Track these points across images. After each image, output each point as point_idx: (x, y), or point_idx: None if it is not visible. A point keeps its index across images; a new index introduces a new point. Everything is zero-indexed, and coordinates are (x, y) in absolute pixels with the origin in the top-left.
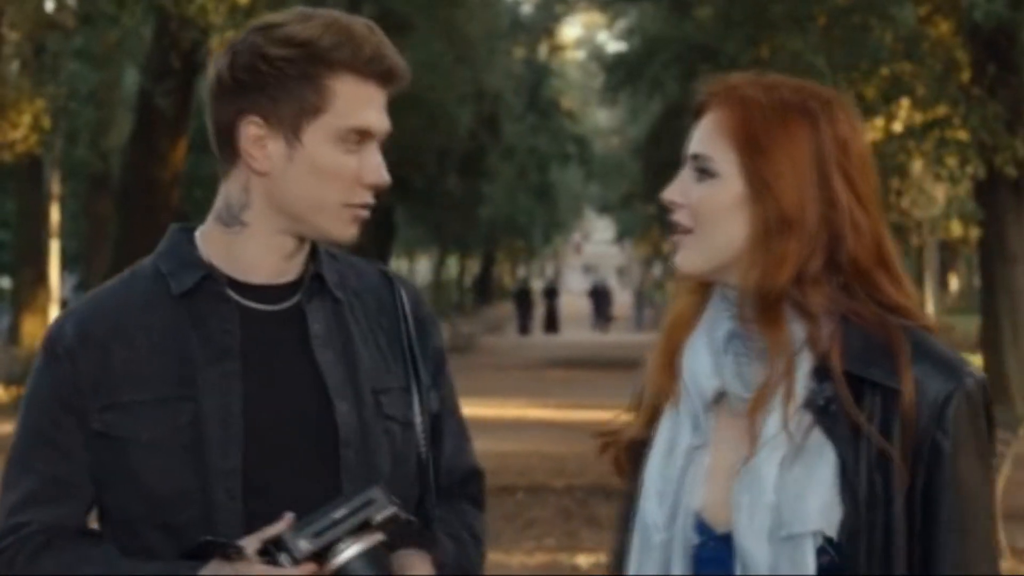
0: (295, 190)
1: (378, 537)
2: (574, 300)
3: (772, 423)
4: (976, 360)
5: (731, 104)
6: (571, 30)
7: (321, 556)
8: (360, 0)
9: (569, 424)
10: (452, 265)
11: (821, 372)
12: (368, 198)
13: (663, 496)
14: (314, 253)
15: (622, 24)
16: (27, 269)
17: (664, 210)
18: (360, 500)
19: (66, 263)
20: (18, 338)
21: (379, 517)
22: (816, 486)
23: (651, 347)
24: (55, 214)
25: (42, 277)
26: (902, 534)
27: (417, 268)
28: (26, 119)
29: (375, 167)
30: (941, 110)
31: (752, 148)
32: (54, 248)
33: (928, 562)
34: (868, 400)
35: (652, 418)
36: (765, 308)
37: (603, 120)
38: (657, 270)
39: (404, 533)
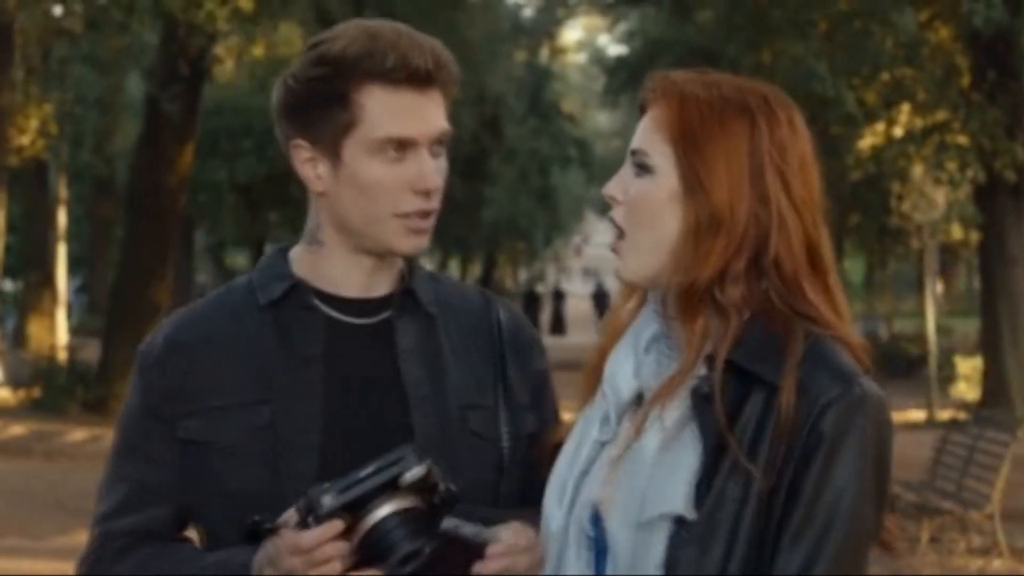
0: (347, 207)
1: (415, 501)
2: (576, 303)
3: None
4: (976, 362)
5: (670, 100)
6: (572, 33)
7: (353, 516)
8: (363, 4)
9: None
10: (454, 268)
11: (710, 362)
12: (422, 204)
13: (564, 488)
14: (412, 270)
15: (623, 27)
16: (33, 272)
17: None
18: (389, 458)
19: (70, 266)
20: (24, 341)
21: (409, 475)
22: (680, 472)
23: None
24: (62, 218)
25: (48, 280)
26: (745, 533)
27: None
28: (33, 124)
29: (420, 173)
30: (941, 115)
31: (687, 144)
32: (61, 251)
33: (772, 564)
34: (753, 396)
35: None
36: (685, 304)
37: (604, 123)
38: None
39: (446, 500)
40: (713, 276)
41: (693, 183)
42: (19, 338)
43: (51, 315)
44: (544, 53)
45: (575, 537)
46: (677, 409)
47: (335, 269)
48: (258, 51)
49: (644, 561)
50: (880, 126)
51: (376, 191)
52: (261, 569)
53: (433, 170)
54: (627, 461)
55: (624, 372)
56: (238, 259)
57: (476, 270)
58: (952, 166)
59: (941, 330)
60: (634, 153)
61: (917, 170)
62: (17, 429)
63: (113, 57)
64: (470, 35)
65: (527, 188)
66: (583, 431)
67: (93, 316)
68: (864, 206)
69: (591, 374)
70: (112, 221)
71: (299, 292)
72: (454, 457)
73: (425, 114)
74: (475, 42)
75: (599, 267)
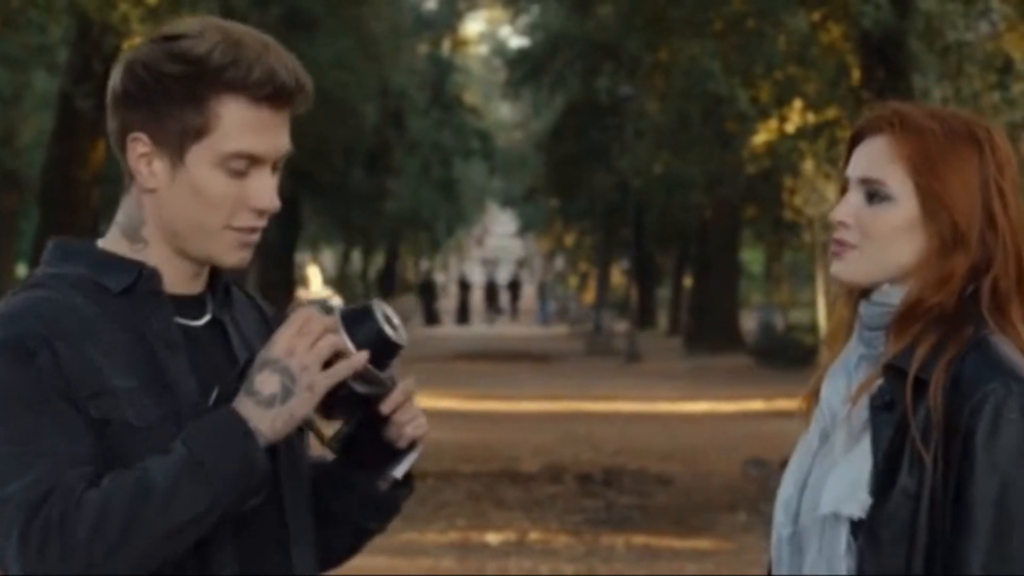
0: (177, 211)
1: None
2: (476, 293)
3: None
4: None
5: (907, 131)
6: (474, 25)
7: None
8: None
9: (475, 414)
10: (356, 259)
11: (886, 370)
12: (255, 222)
13: (790, 500)
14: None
15: (525, 20)
16: None
17: (567, 203)
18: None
19: None
20: None
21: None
22: (852, 475)
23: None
24: None
25: None
26: (923, 531)
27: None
28: None
29: (262, 192)
30: (832, 112)
31: (929, 172)
32: None
33: (951, 562)
34: (924, 398)
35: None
36: (906, 318)
37: (506, 114)
38: (559, 263)
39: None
40: (954, 294)
41: (935, 208)
42: None
43: None
44: (446, 45)
45: (804, 542)
46: (861, 415)
47: (159, 268)
48: None
49: (834, 557)
50: (773, 123)
51: (213, 202)
52: (254, 383)
53: (274, 192)
54: (820, 461)
55: (838, 390)
56: None
57: (378, 261)
58: (842, 162)
59: None
60: (867, 181)
61: (808, 165)
62: None
63: (24, 54)
64: (374, 29)
65: (429, 180)
66: (805, 448)
67: None
68: (759, 199)
69: (810, 396)
70: (17, 213)
71: (146, 279)
72: (293, 446)
73: (277, 133)
74: (379, 36)
75: (498, 257)
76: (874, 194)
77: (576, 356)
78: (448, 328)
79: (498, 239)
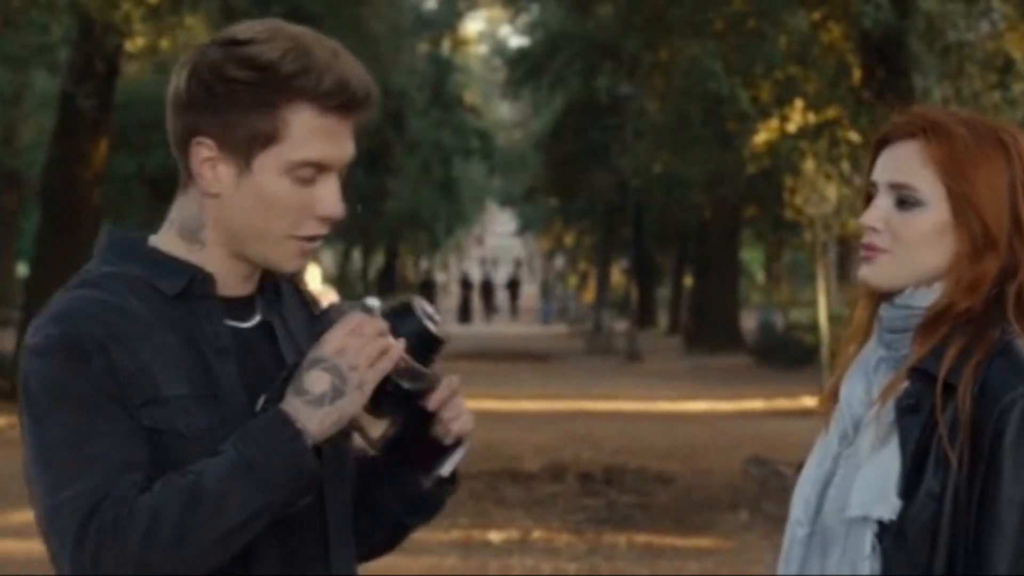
0: (241, 216)
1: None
2: (475, 292)
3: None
4: None
5: (936, 136)
6: (474, 24)
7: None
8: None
9: (476, 413)
10: (356, 259)
11: (912, 373)
12: (319, 230)
13: (808, 499)
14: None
15: (525, 19)
16: None
17: (566, 203)
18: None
19: None
20: None
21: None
22: (879, 477)
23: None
24: None
25: None
26: (946, 533)
27: (322, 261)
28: None
29: (329, 200)
30: (832, 112)
31: (959, 177)
32: None
33: (976, 563)
34: (950, 401)
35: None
36: (935, 322)
37: (506, 113)
38: (559, 263)
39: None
40: (984, 297)
41: (966, 212)
42: None
43: None
44: (446, 45)
45: (821, 542)
46: (887, 417)
47: (216, 272)
48: (166, 44)
49: (859, 559)
50: (774, 122)
51: (279, 209)
52: (303, 381)
53: (339, 199)
54: (845, 462)
55: (857, 392)
56: None
57: (378, 261)
58: (845, 165)
59: (837, 320)
60: (897, 186)
61: (809, 165)
62: None
63: (25, 54)
64: (374, 28)
65: (429, 179)
66: (823, 449)
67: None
68: (759, 199)
69: (829, 398)
70: (17, 212)
71: (199, 283)
72: (344, 444)
73: (344, 140)
74: (379, 35)
75: (497, 257)
76: (905, 199)
77: (576, 355)
78: (448, 327)
79: (498, 238)
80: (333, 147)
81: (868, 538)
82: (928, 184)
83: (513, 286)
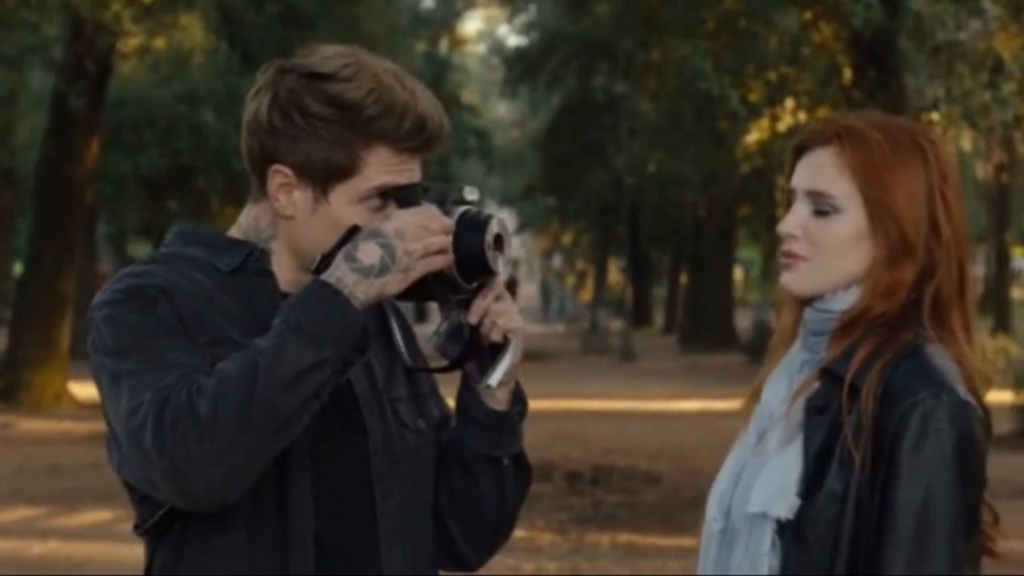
0: (314, 239)
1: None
2: None
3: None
4: None
5: (852, 142)
6: (472, 24)
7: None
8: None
9: None
10: None
11: (823, 374)
12: None
13: (723, 495)
14: None
15: (522, 19)
16: None
17: (563, 202)
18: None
19: None
20: None
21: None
22: (781, 476)
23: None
24: None
25: None
26: (847, 534)
27: None
28: None
29: None
30: (823, 112)
31: (875, 183)
32: None
33: (874, 566)
34: (856, 403)
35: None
36: (849, 325)
37: (504, 112)
38: (556, 262)
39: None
40: (901, 301)
41: (884, 218)
42: None
43: None
44: (444, 44)
45: (733, 538)
46: (796, 417)
47: (279, 273)
48: (160, 43)
49: (758, 556)
50: (765, 122)
51: None
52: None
53: None
54: (753, 459)
55: (779, 391)
56: (140, 248)
57: None
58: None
59: None
60: (813, 194)
61: None
62: None
63: (19, 53)
64: (371, 27)
65: (426, 178)
66: (742, 445)
67: None
68: (753, 198)
69: (752, 397)
70: (14, 212)
71: (255, 259)
72: (393, 449)
73: (413, 172)
74: (376, 35)
75: None
76: (821, 206)
77: (571, 354)
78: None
79: None
80: (404, 177)
81: (767, 535)
82: (844, 191)
83: (511, 285)
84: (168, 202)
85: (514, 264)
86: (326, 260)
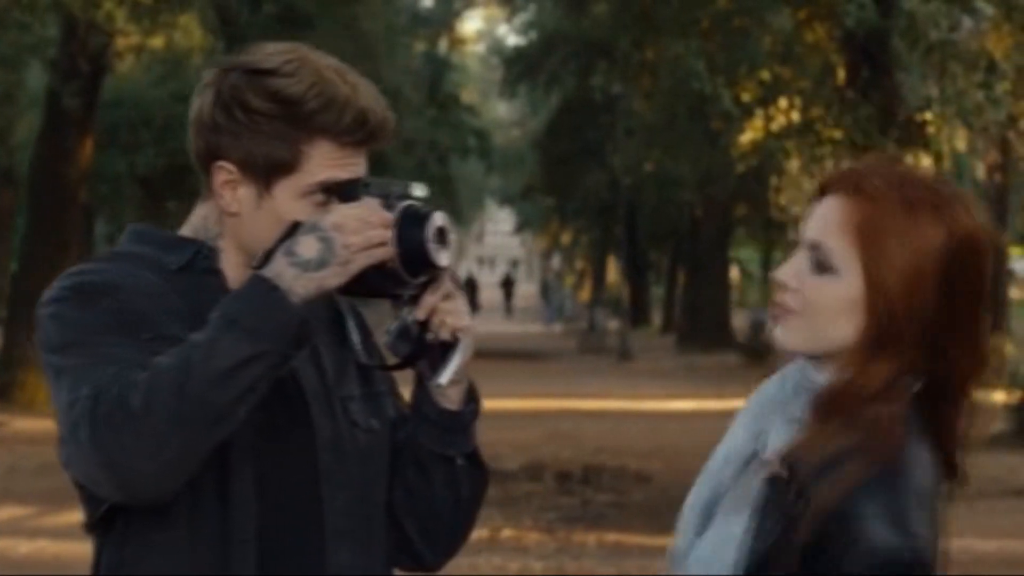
0: (259, 235)
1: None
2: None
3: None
4: None
5: (858, 195)
6: (471, 23)
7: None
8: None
9: None
10: None
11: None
12: None
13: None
14: None
15: (522, 18)
16: None
17: (562, 201)
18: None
19: None
20: None
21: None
22: (723, 545)
23: None
24: None
25: None
26: None
27: None
28: None
29: None
30: (816, 111)
31: (876, 248)
32: None
33: None
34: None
35: None
36: (826, 405)
37: (504, 112)
38: (556, 262)
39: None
40: (877, 390)
41: (877, 290)
42: None
43: None
44: (443, 43)
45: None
46: (751, 489)
47: (227, 271)
48: (157, 42)
49: None
50: (759, 122)
51: None
52: (296, 246)
53: None
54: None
55: (745, 434)
56: None
57: None
58: (829, 163)
59: None
60: (814, 247)
61: (793, 164)
62: None
63: (14, 52)
64: (369, 27)
65: (426, 178)
66: (714, 462)
67: None
68: (750, 198)
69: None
70: (12, 211)
71: (203, 257)
72: (343, 447)
73: (358, 166)
74: (374, 35)
75: (496, 255)
76: (820, 262)
77: (569, 354)
78: None
79: (498, 237)
80: (347, 172)
81: None
82: (843, 251)
83: (507, 285)
84: (165, 202)
85: (514, 264)
86: (268, 256)
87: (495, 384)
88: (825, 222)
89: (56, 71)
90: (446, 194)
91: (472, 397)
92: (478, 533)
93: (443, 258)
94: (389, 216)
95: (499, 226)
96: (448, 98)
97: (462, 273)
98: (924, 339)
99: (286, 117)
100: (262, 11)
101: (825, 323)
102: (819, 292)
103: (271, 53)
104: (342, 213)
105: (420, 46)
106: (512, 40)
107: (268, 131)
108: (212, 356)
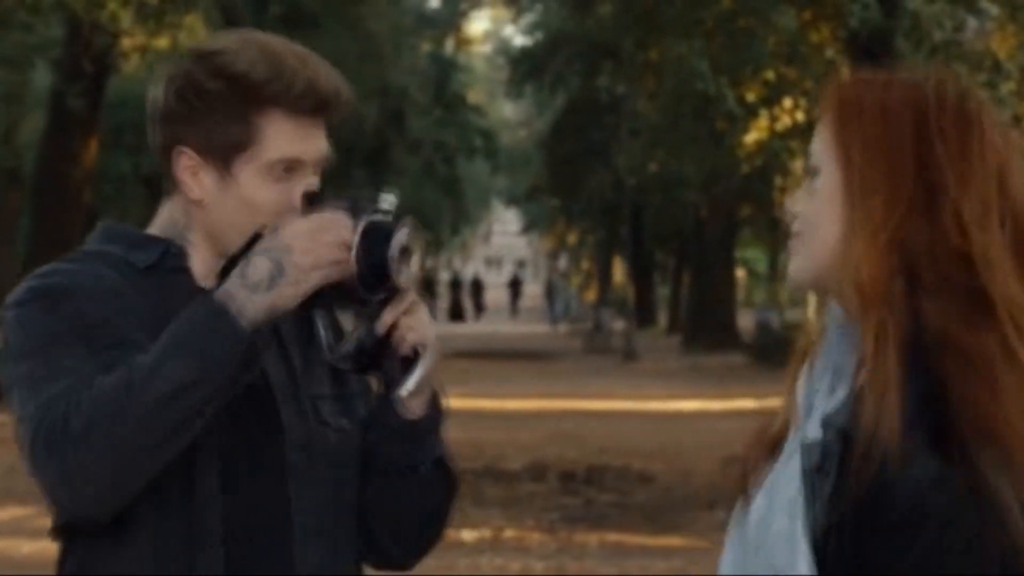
0: (226, 219)
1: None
2: (486, 292)
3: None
4: None
5: (836, 102)
6: (478, 24)
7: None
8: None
9: (466, 412)
10: None
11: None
12: None
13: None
14: None
15: (528, 19)
16: None
17: (568, 202)
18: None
19: None
20: None
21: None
22: (795, 537)
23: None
24: None
25: None
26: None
27: None
28: None
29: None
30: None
31: (847, 137)
32: None
33: None
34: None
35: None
36: (857, 303)
37: (510, 112)
38: (562, 262)
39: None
40: (877, 276)
41: (851, 180)
42: None
43: None
44: (449, 44)
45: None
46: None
47: (197, 267)
48: (162, 43)
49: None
50: (763, 122)
51: (261, 208)
52: (246, 271)
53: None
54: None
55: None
56: None
57: None
58: None
59: None
60: (810, 166)
61: (798, 164)
62: None
63: (19, 53)
64: (375, 28)
65: (433, 178)
66: (786, 456)
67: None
68: (755, 198)
69: (785, 397)
70: (17, 212)
71: (172, 256)
72: (312, 447)
73: (316, 138)
74: (380, 35)
75: (503, 256)
76: (809, 170)
77: (574, 354)
78: (441, 327)
79: (504, 238)
80: (305, 145)
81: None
82: (821, 143)
83: (514, 285)
84: None
85: (520, 264)
86: (227, 268)
87: (500, 384)
88: (815, 139)
89: (61, 72)
90: (452, 194)
91: (437, 407)
92: (480, 533)
93: (404, 276)
94: (347, 232)
95: (506, 226)
96: (454, 98)
97: (469, 274)
98: (909, 234)
99: (237, 92)
100: (268, 12)
101: (815, 228)
102: (808, 197)
103: (220, 38)
104: (294, 230)
105: (426, 46)
106: (518, 40)
107: (222, 110)
108: (154, 379)
